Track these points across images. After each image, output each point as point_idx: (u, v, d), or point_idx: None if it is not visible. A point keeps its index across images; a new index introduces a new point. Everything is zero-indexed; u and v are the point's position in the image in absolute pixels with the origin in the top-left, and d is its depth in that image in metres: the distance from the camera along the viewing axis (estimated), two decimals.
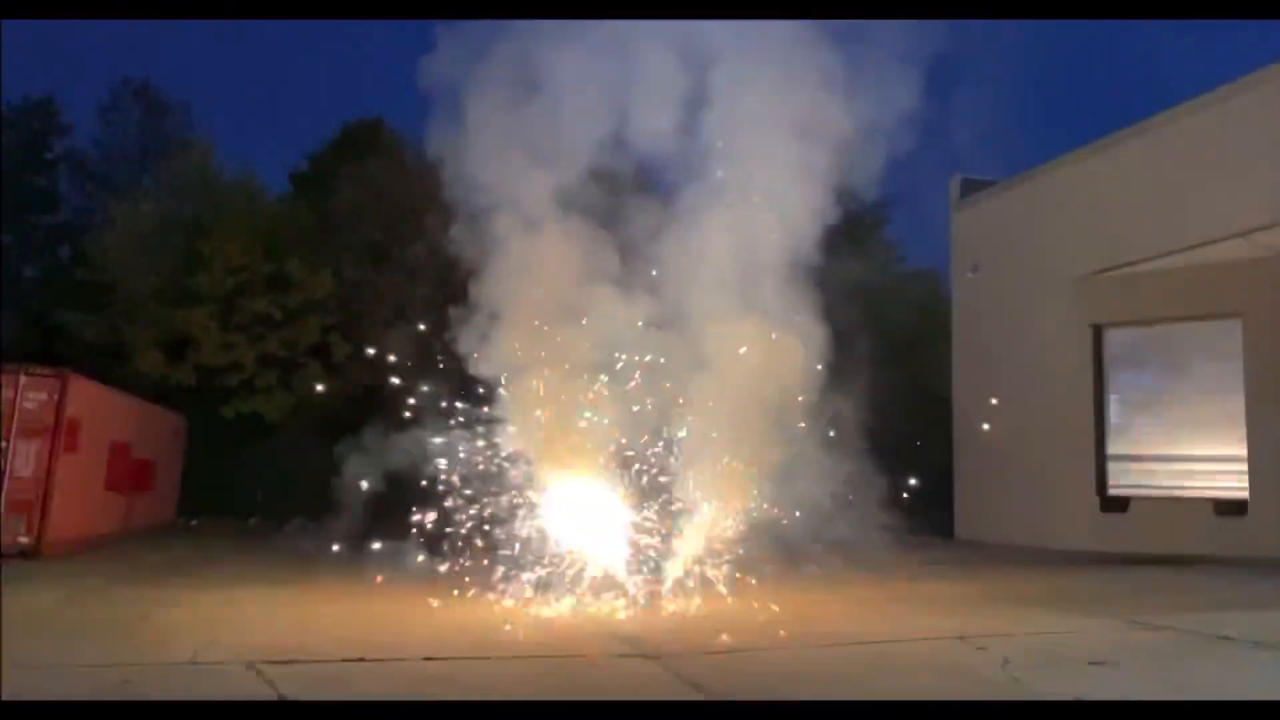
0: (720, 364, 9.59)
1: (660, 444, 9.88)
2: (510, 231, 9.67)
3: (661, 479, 9.84)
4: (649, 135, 9.81)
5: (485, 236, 9.71)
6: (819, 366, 9.63)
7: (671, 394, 9.79)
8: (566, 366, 9.54)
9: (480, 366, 9.61)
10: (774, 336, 9.55)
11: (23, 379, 12.98)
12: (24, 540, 12.48)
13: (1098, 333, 17.34)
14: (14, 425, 12.76)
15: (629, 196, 10.28)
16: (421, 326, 11.76)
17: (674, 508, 9.76)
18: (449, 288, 10.16)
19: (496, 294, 9.65)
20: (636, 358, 9.86)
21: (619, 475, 9.73)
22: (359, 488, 9.92)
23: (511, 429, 9.62)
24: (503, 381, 9.63)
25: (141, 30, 68.97)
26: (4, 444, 12.65)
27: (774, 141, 9.77)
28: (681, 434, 9.84)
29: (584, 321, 9.67)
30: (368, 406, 10.88)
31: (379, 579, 9.41)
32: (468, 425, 9.75)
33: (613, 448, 9.73)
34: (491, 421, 9.70)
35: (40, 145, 30.67)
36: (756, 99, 9.78)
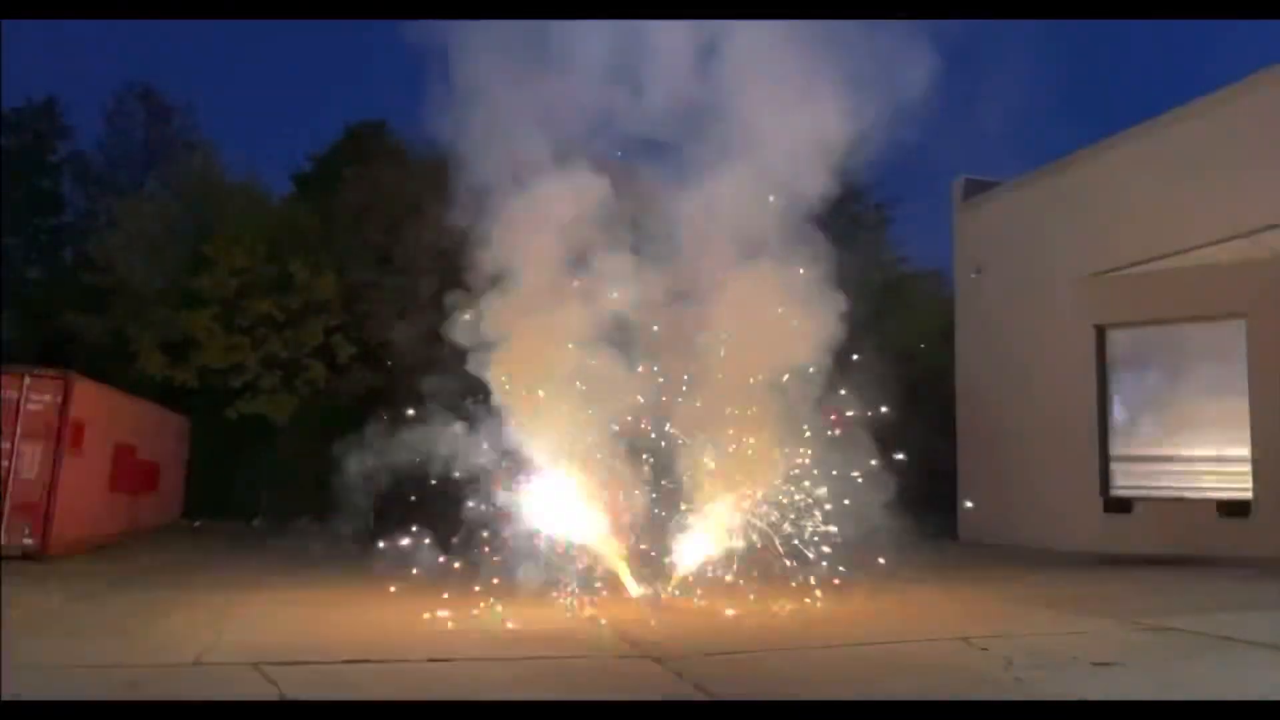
0: (728, 342, 9.54)
1: (667, 428, 9.84)
2: (508, 199, 9.60)
3: (666, 473, 9.81)
4: (657, 99, 9.73)
5: (485, 205, 9.64)
6: (827, 351, 9.60)
7: (675, 373, 9.73)
8: (569, 345, 9.49)
9: (475, 345, 9.55)
10: (785, 304, 9.49)
11: (27, 381, 13.02)
12: (29, 541, 12.52)
13: (1101, 333, 17.32)
14: (18, 427, 12.80)
15: (633, 165, 10.20)
16: (425, 326, 11.73)
17: (679, 504, 9.76)
18: (452, 278, 10.08)
19: (495, 262, 9.58)
20: (645, 329, 9.78)
21: (622, 466, 9.70)
22: (362, 488, 9.92)
23: (507, 414, 9.57)
24: (492, 360, 9.54)
25: (145, 32, 69.11)
26: (8, 446, 12.68)
27: (779, 119, 9.71)
28: (683, 425, 9.80)
29: (583, 292, 9.62)
30: (371, 407, 10.87)
31: (391, 589, 9.37)
32: (471, 421, 9.75)
33: (616, 429, 9.71)
34: (494, 414, 9.68)
35: (44, 148, 30.74)
36: (762, 73, 9.74)
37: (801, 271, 9.66)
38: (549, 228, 9.56)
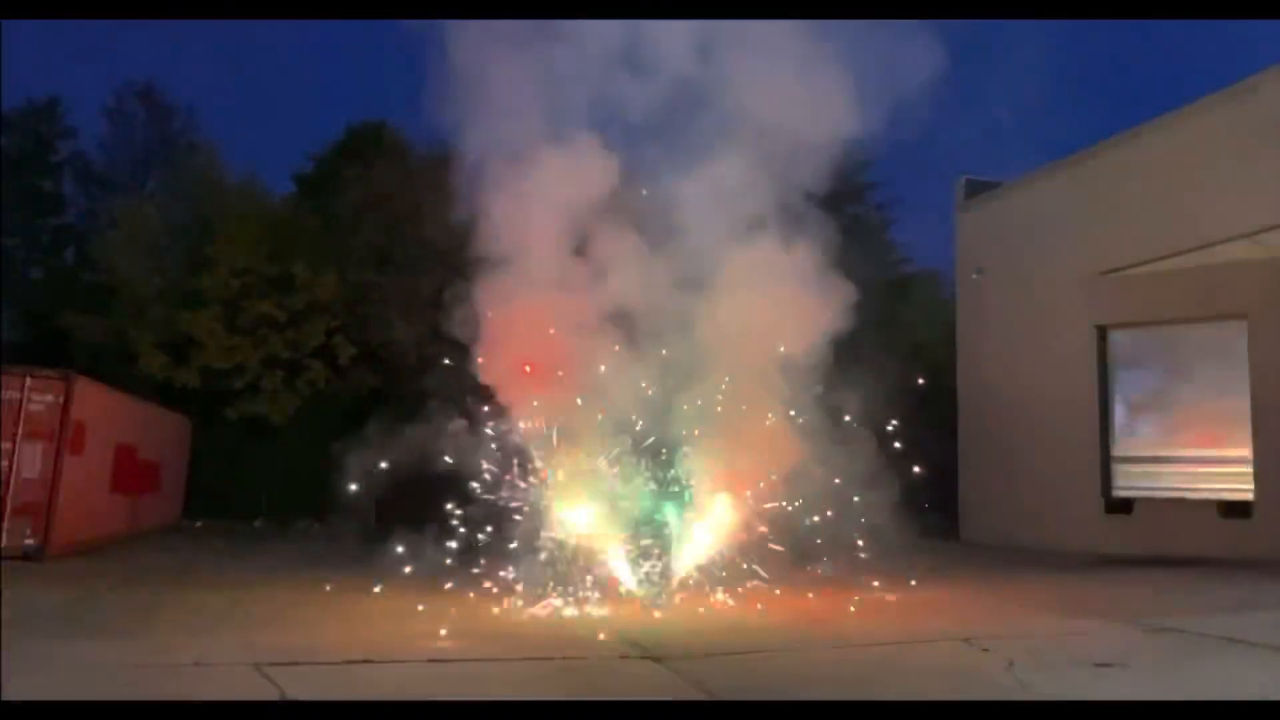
0: (731, 331, 9.50)
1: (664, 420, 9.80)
2: (508, 181, 9.53)
3: (668, 468, 9.79)
4: (659, 82, 9.70)
5: (485, 188, 9.57)
6: (831, 342, 9.56)
7: (678, 361, 9.69)
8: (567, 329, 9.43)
9: (474, 338, 9.51)
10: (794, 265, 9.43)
11: (29, 381, 13.02)
12: (30, 542, 12.51)
13: (1102, 334, 17.30)
14: (20, 427, 12.80)
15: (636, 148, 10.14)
16: (426, 325, 11.70)
17: (681, 503, 9.74)
18: (453, 276, 10.03)
19: (495, 246, 9.52)
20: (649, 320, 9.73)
21: (623, 462, 9.66)
22: (364, 488, 9.92)
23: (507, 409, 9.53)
24: (488, 350, 9.47)
25: (145, 32, 69.17)
26: (10, 446, 12.68)
27: (785, 108, 9.66)
28: (685, 419, 9.76)
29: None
30: (372, 407, 10.83)
31: (377, 589, 9.35)
32: (472, 419, 9.73)
33: (617, 426, 9.68)
34: (495, 411, 9.66)
35: (45, 148, 30.75)
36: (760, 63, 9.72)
37: (807, 255, 9.62)
38: (550, 209, 9.50)
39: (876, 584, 10.08)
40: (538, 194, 9.47)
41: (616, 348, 9.64)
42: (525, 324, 9.21)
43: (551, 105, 9.69)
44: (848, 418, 9.76)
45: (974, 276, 20.01)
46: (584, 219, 9.68)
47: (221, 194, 24.87)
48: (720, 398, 9.63)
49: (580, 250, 9.69)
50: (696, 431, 9.68)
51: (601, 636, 7.76)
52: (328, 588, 10.05)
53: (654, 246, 9.71)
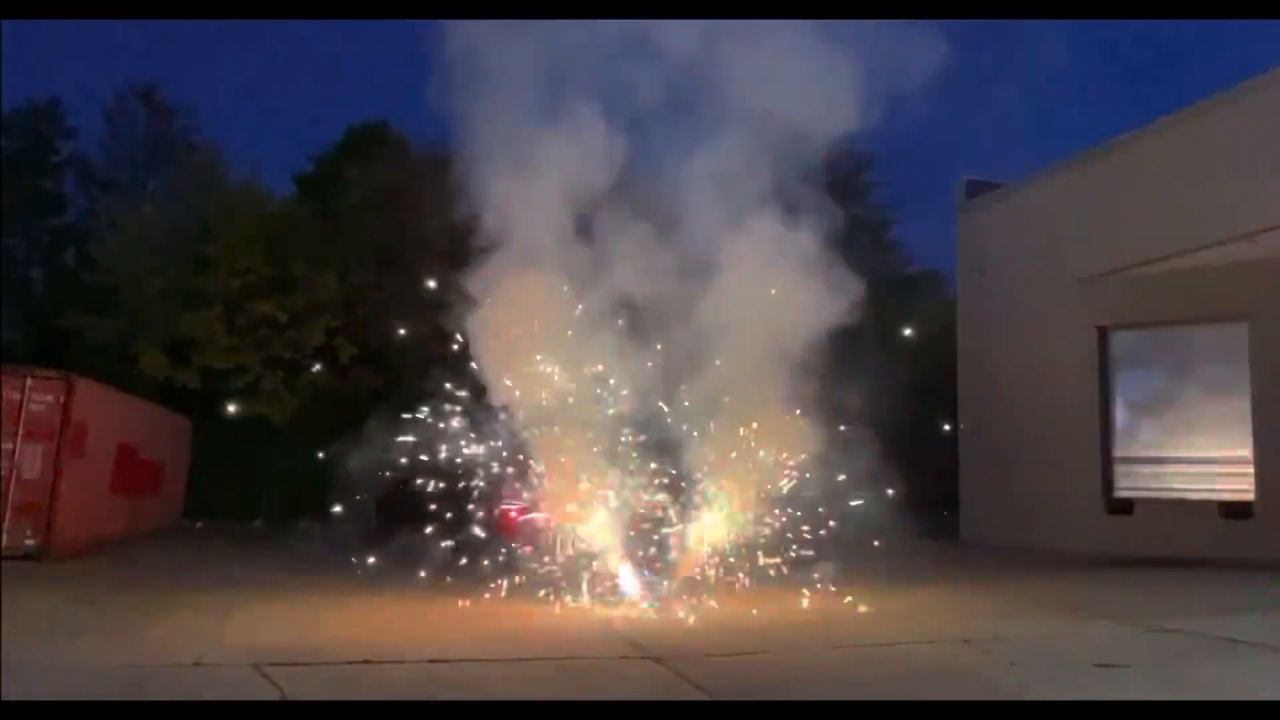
0: (733, 322, 9.46)
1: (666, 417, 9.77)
2: (509, 165, 9.51)
3: (669, 470, 9.77)
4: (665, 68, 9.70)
5: (486, 175, 9.53)
6: (833, 336, 9.54)
7: (679, 353, 9.66)
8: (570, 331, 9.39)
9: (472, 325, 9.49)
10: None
11: (29, 382, 13.01)
12: (31, 542, 12.51)
13: (1103, 334, 17.30)
14: (20, 428, 12.80)
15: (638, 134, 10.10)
16: (427, 325, 11.68)
17: (681, 503, 9.74)
18: (453, 274, 10.03)
19: (495, 230, 9.48)
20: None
21: (623, 461, 9.65)
22: (364, 488, 9.93)
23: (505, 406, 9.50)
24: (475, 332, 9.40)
25: (146, 32, 69.25)
26: (10, 446, 12.68)
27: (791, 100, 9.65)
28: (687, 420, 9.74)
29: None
30: (373, 407, 10.82)
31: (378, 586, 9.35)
32: (473, 418, 9.72)
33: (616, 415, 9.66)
34: (493, 408, 9.64)
35: (46, 148, 30.76)
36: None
37: (811, 247, 9.59)
38: (553, 190, 9.48)
39: (876, 584, 10.07)
40: (541, 174, 9.44)
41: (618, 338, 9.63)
42: (526, 313, 9.20)
43: (553, 88, 9.67)
44: (849, 416, 9.75)
45: (974, 276, 20.01)
46: (587, 202, 9.66)
47: (221, 194, 24.84)
48: (725, 390, 9.62)
49: (584, 234, 9.67)
50: (705, 426, 9.66)
51: (601, 637, 7.76)
52: (329, 590, 10.05)
53: (656, 235, 9.69)
